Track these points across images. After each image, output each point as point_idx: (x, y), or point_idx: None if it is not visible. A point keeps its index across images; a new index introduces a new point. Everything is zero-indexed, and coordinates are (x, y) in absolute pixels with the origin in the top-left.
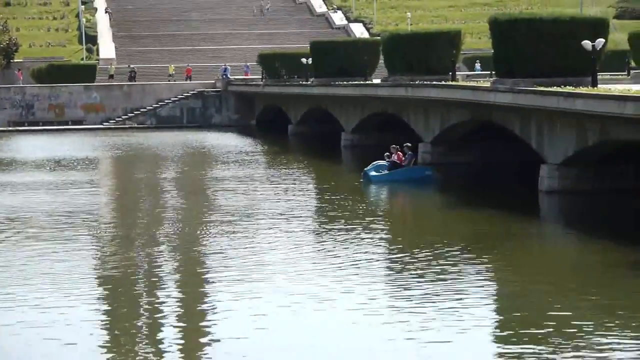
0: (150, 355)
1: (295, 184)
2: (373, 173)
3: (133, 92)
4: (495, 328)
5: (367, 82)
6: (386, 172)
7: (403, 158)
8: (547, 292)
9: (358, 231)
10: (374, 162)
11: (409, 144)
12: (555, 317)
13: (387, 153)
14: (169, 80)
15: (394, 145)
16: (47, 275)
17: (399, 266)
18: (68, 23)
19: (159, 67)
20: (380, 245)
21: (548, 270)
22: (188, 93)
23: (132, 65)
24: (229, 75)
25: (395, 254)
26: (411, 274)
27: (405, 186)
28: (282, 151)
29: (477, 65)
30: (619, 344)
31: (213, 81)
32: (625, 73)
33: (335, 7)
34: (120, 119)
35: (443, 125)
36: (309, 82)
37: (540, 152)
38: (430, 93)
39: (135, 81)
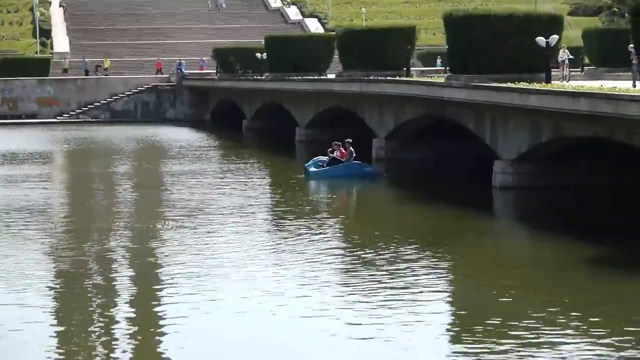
0: (105, 349)
1: (246, 178)
2: (312, 169)
3: (87, 86)
4: (448, 325)
5: (321, 77)
6: (325, 167)
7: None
8: (500, 289)
9: (310, 228)
10: (315, 158)
11: (349, 140)
12: (509, 313)
13: (330, 149)
14: (106, 75)
15: (336, 142)
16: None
17: (350, 263)
18: (22, 16)
19: (113, 61)
20: (332, 242)
21: (500, 267)
22: (142, 87)
23: (86, 59)
24: (183, 70)
25: (347, 250)
26: (363, 271)
27: (346, 182)
28: (235, 146)
29: (438, 61)
30: (571, 339)
31: (167, 75)
32: (579, 70)
33: (289, 1)
34: (74, 112)
35: (397, 120)
36: (263, 77)
37: (494, 148)
38: (384, 88)
39: (98, 74)
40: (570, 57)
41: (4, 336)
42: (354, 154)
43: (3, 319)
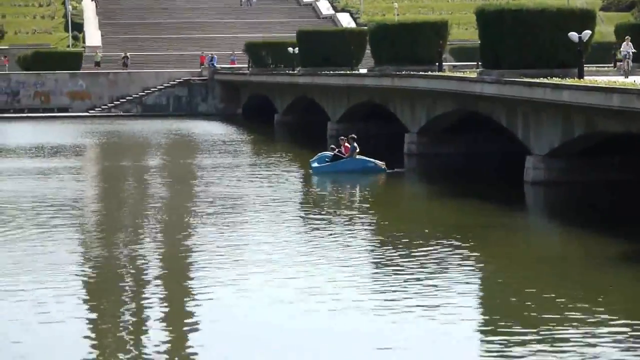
0: (135, 341)
1: (278, 172)
2: (315, 165)
3: (119, 80)
4: (479, 320)
5: (353, 72)
6: (327, 163)
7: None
8: (530, 284)
9: (340, 221)
10: (320, 153)
11: (353, 135)
12: (539, 308)
13: (332, 145)
14: (124, 66)
15: (342, 137)
16: (32, 264)
17: (382, 256)
18: (54, 10)
19: (145, 55)
20: (363, 236)
21: (532, 262)
22: (174, 81)
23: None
24: (215, 64)
25: (379, 244)
26: (394, 264)
27: (349, 177)
28: (267, 140)
29: None
30: (600, 335)
31: (199, 70)
32: (612, 65)
33: None
34: (106, 106)
35: (429, 115)
36: (295, 72)
37: (526, 143)
38: (416, 83)
39: (127, 68)
40: (634, 50)
41: (37, 330)
42: (357, 149)
43: (35, 312)
